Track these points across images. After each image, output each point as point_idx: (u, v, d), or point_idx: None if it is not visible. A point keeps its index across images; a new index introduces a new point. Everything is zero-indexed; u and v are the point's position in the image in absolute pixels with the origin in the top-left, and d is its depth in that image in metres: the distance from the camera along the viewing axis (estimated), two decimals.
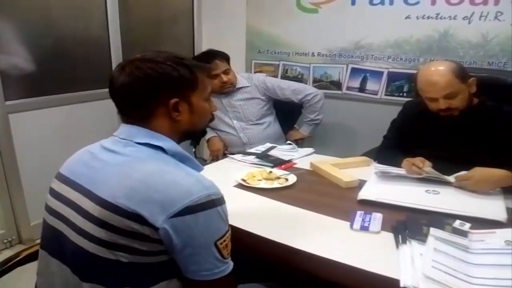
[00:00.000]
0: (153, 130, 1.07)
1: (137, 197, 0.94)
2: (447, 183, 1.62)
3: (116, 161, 1.03)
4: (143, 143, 1.05)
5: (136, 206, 0.93)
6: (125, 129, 1.09)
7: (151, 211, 0.93)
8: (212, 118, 1.25)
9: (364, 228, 1.33)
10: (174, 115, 1.08)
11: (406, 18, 2.83)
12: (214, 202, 0.98)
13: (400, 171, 1.73)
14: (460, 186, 1.59)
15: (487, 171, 1.56)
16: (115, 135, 1.10)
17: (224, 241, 1.00)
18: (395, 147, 1.93)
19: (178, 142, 1.11)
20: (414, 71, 2.80)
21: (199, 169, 1.10)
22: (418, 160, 1.68)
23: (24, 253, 1.34)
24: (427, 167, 1.64)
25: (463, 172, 1.61)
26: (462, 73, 1.68)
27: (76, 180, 1.06)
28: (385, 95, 3.06)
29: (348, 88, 3.21)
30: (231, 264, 1.03)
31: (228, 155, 2.41)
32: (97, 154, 1.08)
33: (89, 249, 0.97)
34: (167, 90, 1.06)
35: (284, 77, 3.40)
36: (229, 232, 1.03)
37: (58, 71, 2.82)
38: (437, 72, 1.69)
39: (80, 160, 1.12)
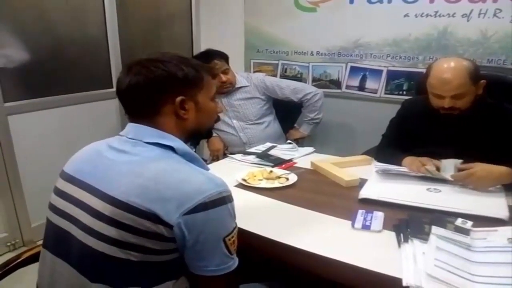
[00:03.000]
0: (160, 129, 1.08)
1: (150, 195, 0.95)
2: (449, 181, 1.62)
3: (126, 160, 1.04)
4: (153, 142, 1.06)
5: (150, 204, 0.94)
6: (133, 129, 1.10)
7: (165, 209, 0.94)
8: (218, 118, 1.27)
9: (365, 227, 1.32)
10: (181, 113, 1.09)
11: (404, 16, 2.83)
12: (225, 199, 1.01)
13: (401, 169, 1.72)
14: (461, 183, 1.59)
15: (488, 167, 1.56)
16: (122, 134, 1.11)
17: (232, 237, 1.03)
18: (394, 145, 1.92)
19: (185, 142, 1.12)
20: (413, 69, 2.85)
21: (206, 169, 1.11)
22: (426, 160, 1.67)
23: (26, 255, 1.34)
24: (430, 166, 1.64)
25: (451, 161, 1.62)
26: (476, 75, 1.65)
27: (83, 179, 1.06)
28: (385, 93, 3.05)
29: (348, 87, 3.21)
30: (237, 260, 1.05)
31: (228, 155, 2.41)
32: (104, 153, 1.09)
33: (98, 248, 0.98)
34: (173, 89, 1.08)
35: (283, 76, 3.40)
36: (237, 228, 1.06)
37: (57, 72, 2.81)
38: (453, 71, 1.64)
39: (86, 159, 1.13)
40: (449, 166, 1.63)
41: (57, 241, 1.09)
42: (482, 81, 1.69)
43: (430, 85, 1.73)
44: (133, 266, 0.97)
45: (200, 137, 1.23)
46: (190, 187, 0.97)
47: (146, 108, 1.09)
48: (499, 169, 1.54)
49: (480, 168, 1.56)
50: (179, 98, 1.08)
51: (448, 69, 1.66)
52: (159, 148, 1.06)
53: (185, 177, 1.00)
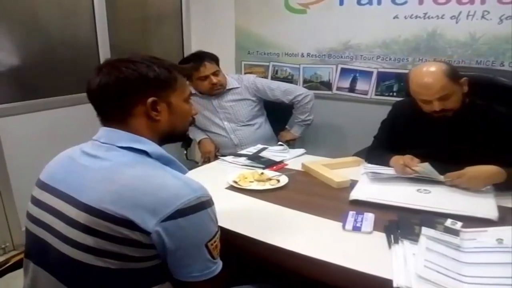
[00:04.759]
0: (132, 131, 1.06)
1: (125, 202, 0.93)
2: (439, 182, 1.63)
3: (99, 166, 1.02)
4: (126, 147, 1.04)
5: (125, 211, 0.92)
6: (106, 133, 1.08)
7: (141, 216, 0.92)
8: (193, 121, 1.24)
9: (356, 229, 1.33)
10: (153, 115, 1.07)
11: (394, 18, 2.84)
12: (204, 204, 0.98)
13: (389, 171, 1.73)
14: (453, 184, 1.60)
15: (478, 168, 1.57)
16: (95, 139, 1.09)
17: (215, 242, 1.01)
18: (385, 147, 1.93)
19: (159, 145, 1.10)
20: (403, 71, 2.86)
21: (184, 172, 1.09)
22: (408, 159, 1.68)
23: (14, 260, 1.33)
24: (416, 166, 1.65)
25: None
26: (454, 74, 1.68)
27: (56, 187, 1.05)
28: (375, 95, 3.07)
29: (338, 89, 3.22)
30: (220, 264, 1.04)
31: (219, 157, 2.41)
32: (77, 159, 1.07)
33: (75, 257, 0.96)
34: (144, 90, 1.06)
35: (274, 78, 3.40)
36: (219, 232, 1.04)
37: (47, 74, 2.79)
38: (429, 74, 1.67)
39: (59, 166, 1.11)
40: (429, 168, 1.64)
41: (37, 250, 1.07)
42: (464, 78, 1.71)
43: (414, 92, 1.75)
44: (112, 274, 0.95)
45: (174, 140, 1.19)
46: (167, 193, 0.95)
47: (117, 110, 1.06)
48: (489, 169, 1.55)
49: (471, 168, 1.57)
50: (150, 99, 1.05)
51: (426, 73, 1.69)
52: (132, 153, 1.03)
53: (161, 182, 0.98)
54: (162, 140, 1.13)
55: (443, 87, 1.65)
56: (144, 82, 1.05)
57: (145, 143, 1.05)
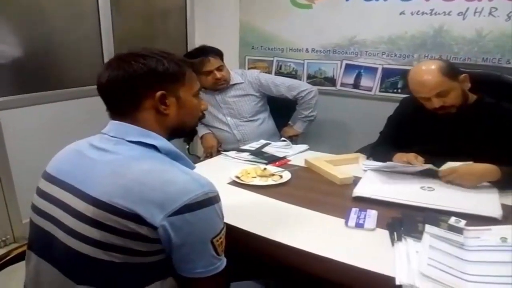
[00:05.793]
0: (141, 125, 1.05)
1: (133, 196, 0.93)
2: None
3: (107, 160, 1.01)
4: (136, 141, 1.03)
5: (133, 205, 0.92)
6: (115, 127, 1.07)
7: (148, 210, 0.92)
8: (203, 116, 1.23)
9: (359, 225, 1.32)
10: (162, 108, 1.07)
11: (400, 14, 2.82)
12: (211, 200, 0.98)
13: (388, 164, 1.73)
14: (446, 181, 1.59)
15: (471, 165, 1.58)
16: (104, 132, 1.08)
17: (220, 238, 1.01)
18: (390, 143, 1.93)
19: (168, 140, 1.10)
20: (409, 67, 2.82)
21: (192, 167, 1.08)
22: (411, 157, 1.68)
23: (15, 252, 1.33)
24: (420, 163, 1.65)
25: (449, 164, 1.62)
26: (450, 71, 1.69)
27: (64, 179, 1.04)
28: (380, 91, 3.05)
29: (343, 85, 3.20)
30: (224, 261, 1.04)
31: (222, 152, 2.40)
32: (85, 152, 1.06)
33: (81, 250, 0.96)
34: (152, 83, 1.05)
35: (278, 73, 3.39)
36: (224, 229, 1.03)
37: (50, 67, 2.79)
38: (424, 72, 1.70)
39: (67, 158, 1.10)
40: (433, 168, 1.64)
41: (41, 243, 1.07)
42: (463, 75, 1.71)
43: (413, 91, 1.77)
44: (116, 267, 0.95)
45: (183, 135, 1.19)
46: (174, 188, 0.95)
47: (126, 104, 1.06)
48: (482, 167, 1.56)
49: (464, 165, 1.58)
50: (159, 93, 1.05)
51: (422, 72, 1.72)
52: (141, 147, 1.03)
53: (169, 177, 0.97)
54: (171, 134, 1.12)
55: (439, 84, 1.66)
56: (152, 76, 1.05)
57: (154, 137, 1.05)
